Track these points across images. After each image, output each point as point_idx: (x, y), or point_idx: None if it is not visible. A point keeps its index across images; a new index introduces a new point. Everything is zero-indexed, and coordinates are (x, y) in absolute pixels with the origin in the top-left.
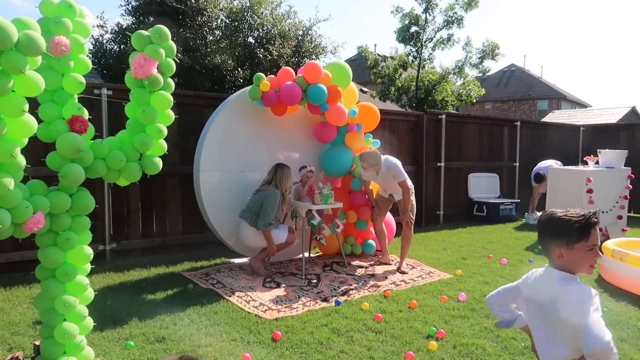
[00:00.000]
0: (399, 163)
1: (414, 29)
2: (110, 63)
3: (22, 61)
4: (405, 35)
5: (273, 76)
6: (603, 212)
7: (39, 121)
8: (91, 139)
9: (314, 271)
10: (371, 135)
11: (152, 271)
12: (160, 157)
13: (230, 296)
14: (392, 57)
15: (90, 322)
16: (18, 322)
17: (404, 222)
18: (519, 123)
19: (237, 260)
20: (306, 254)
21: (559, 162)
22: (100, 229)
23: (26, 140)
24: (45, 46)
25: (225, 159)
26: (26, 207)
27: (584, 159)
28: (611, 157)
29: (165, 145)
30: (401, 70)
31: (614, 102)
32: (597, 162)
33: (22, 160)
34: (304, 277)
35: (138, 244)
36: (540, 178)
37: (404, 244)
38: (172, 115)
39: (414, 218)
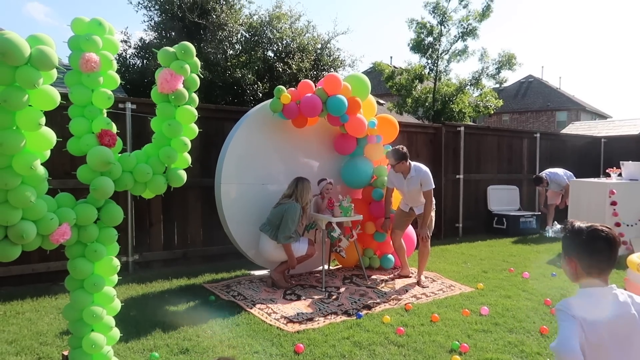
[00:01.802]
0: (429, 172)
1: (428, 40)
2: (134, 77)
3: (35, 75)
4: (421, 46)
5: (293, 89)
6: (628, 225)
7: (70, 135)
8: (119, 153)
9: (334, 284)
10: (390, 147)
11: (173, 283)
12: (184, 169)
13: (251, 308)
14: (406, 71)
15: (117, 332)
16: (45, 332)
17: (420, 238)
18: (538, 135)
19: (257, 273)
20: (326, 267)
21: (569, 173)
22: (123, 240)
23: (48, 153)
24: (58, 60)
25: (246, 172)
26: (51, 218)
27: (607, 171)
28: (634, 169)
29: (189, 158)
30: (417, 82)
31: (636, 113)
32: (619, 174)
33: (43, 173)
34: (324, 289)
35: (160, 256)
36: (539, 180)
37: (421, 259)
38: (196, 129)
39: (430, 234)
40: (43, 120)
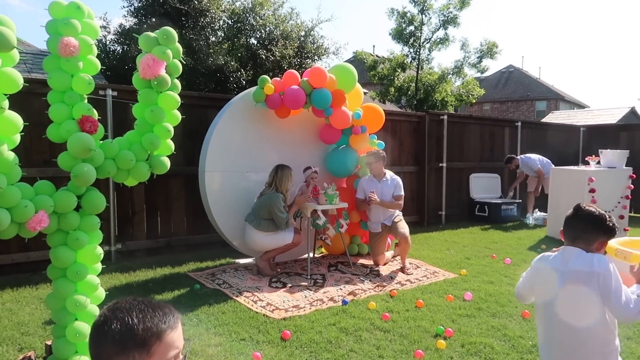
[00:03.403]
0: None
1: (409, 29)
2: (114, 64)
3: None
4: (402, 35)
5: (278, 79)
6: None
7: (49, 122)
8: (100, 139)
9: (319, 271)
10: (376, 137)
11: (157, 272)
12: (167, 156)
13: (237, 296)
14: (389, 59)
15: None
16: (27, 323)
17: (401, 240)
18: (519, 124)
19: (242, 261)
20: (311, 254)
21: (545, 160)
22: (105, 229)
23: (18, 138)
24: (16, 41)
25: (230, 160)
26: (25, 206)
27: (586, 159)
28: (612, 157)
29: (172, 145)
30: (400, 70)
31: (612, 102)
32: (598, 162)
33: (12, 159)
34: (309, 277)
35: (143, 245)
36: (509, 160)
37: (403, 252)
38: (178, 116)
39: (408, 234)
40: (6, 103)
